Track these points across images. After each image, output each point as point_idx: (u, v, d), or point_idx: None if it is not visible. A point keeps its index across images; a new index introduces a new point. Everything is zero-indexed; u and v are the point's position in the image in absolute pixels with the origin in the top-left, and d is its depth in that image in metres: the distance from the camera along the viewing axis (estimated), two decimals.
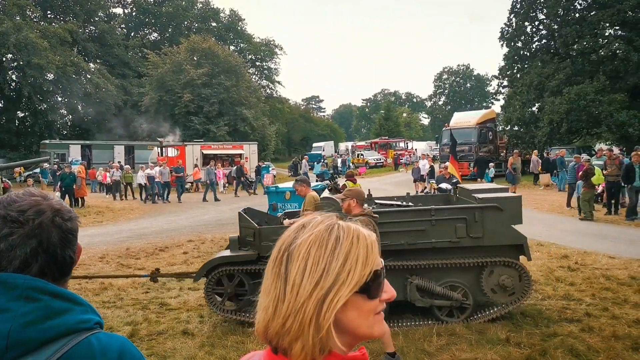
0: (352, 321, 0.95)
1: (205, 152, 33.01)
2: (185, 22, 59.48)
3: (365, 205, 5.63)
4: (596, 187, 14.66)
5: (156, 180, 22.70)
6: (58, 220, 1.18)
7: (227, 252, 6.60)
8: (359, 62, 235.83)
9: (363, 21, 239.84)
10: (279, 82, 65.96)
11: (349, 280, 0.93)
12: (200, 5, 60.83)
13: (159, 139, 35.26)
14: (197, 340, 5.93)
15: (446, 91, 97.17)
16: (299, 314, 0.92)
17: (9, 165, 25.11)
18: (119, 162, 30.77)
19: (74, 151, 34.08)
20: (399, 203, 7.44)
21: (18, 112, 43.02)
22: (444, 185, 12.50)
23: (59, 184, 21.36)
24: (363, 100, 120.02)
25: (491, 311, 6.14)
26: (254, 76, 59.71)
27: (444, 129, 31.26)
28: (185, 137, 38.65)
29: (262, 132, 46.20)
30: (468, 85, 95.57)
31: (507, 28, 34.64)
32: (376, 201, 7.54)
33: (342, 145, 63.95)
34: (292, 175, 37.78)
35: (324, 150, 54.03)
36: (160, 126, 38.67)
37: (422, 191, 22.13)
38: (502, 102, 38.50)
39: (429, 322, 6.12)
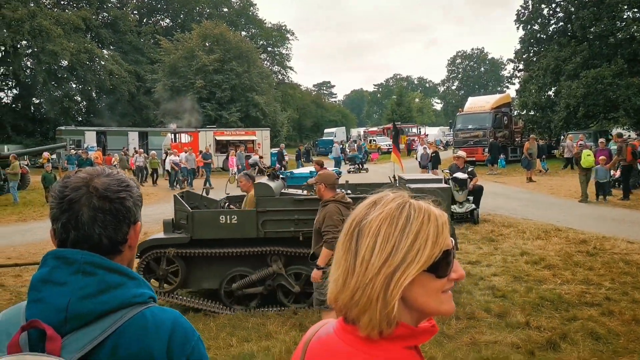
0: (419, 298, 0.97)
1: (218, 138, 33.13)
2: (197, 8, 59.26)
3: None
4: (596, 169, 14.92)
5: (182, 166, 22.79)
6: (92, 199, 1.17)
7: (161, 235, 6.67)
8: (370, 47, 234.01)
9: (374, 5, 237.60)
10: (290, 68, 65.77)
11: (417, 259, 0.95)
12: None
13: (171, 125, 35.45)
14: (219, 322, 6.02)
15: (459, 75, 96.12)
16: (367, 288, 0.95)
17: (27, 151, 25.43)
18: (135, 148, 30.94)
19: (89, 137, 34.30)
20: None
21: (33, 98, 43.38)
22: (459, 175, 11.67)
23: (76, 169, 21.58)
24: (375, 85, 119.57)
25: None
26: (265, 62, 59.50)
27: (458, 114, 31.00)
28: (198, 124, 38.80)
29: (274, 118, 46.17)
30: (482, 69, 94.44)
31: (523, 10, 34.07)
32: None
33: (354, 131, 63.69)
34: (304, 161, 37.76)
35: (335, 136, 53.82)
36: (173, 112, 38.80)
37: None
38: (517, 86, 38.03)
39: None
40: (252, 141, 34.05)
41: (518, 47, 35.56)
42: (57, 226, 1.18)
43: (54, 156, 29.71)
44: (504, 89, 74.98)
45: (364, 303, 0.95)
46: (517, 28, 34.47)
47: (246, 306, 6.50)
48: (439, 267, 0.97)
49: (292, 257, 6.42)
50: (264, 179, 7.05)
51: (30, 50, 41.39)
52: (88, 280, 1.12)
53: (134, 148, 33.86)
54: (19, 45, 39.98)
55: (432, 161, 22.18)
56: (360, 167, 28.32)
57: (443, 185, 6.66)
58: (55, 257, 1.15)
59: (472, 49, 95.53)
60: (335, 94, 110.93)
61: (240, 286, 6.43)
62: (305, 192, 7.28)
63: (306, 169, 13.27)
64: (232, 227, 6.23)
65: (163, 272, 6.45)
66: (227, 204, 7.59)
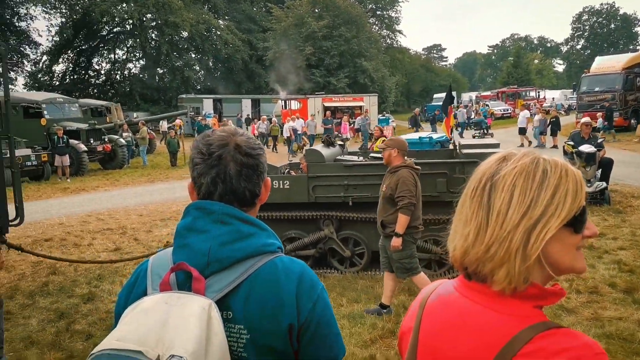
0: (556, 254, 0.96)
1: (326, 104, 33.50)
2: None
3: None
4: None
5: (302, 132, 23.33)
6: (237, 155, 1.26)
7: None
8: (485, 6, 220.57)
9: None
10: (399, 32, 64.15)
11: (557, 213, 0.94)
12: None
13: (281, 92, 36.44)
14: (329, 282, 6.24)
15: (586, 34, 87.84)
16: (504, 242, 0.95)
17: (152, 118, 27.56)
18: (248, 115, 32.18)
19: (207, 105, 36.30)
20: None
21: (158, 68, 46.60)
22: (585, 149, 9.50)
23: (196, 134, 23.08)
24: (489, 47, 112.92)
25: None
26: (374, 26, 58.52)
27: (583, 75, 28.47)
28: (307, 90, 39.44)
29: (382, 83, 45.62)
30: (612, 26, 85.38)
31: None
32: (370, 154, 7.40)
33: (465, 96, 60.99)
34: (411, 127, 37.04)
35: None
36: (282, 79, 39.78)
37: (529, 145, 20.63)
38: None
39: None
40: (360, 107, 34.03)
41: None
42: (205, 180, 1.27)
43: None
44: (638, 48, 67.60)
45: (502, 257, 0.95)
46: None
47: None
48: (578, 222, 0.96)
49: (344, 221, 6.59)
50: (318, 146, 7.21)
51: (154, 23, 44.25)
52: (225, 229, 1.22)
53: (247, 115, 35.46)
54: (144, 19, 42.93)
55: (552, 127, 20.71)
56: (486, 132, 27.38)
57: (495, 150, 6.40)
58: (197, 208, 1.27)
59: (601, 4, 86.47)
60: (446, 57, 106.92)
61: (294, 248, 6.67)
62: (361, 158, 7.29)
63: (416, 135, 13.07)
64: (285, 191, 6.48)
65: None
66: (287, 170, 7.79)
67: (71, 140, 17.37)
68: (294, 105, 33.31)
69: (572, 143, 9.93)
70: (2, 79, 5.19)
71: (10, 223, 5.24)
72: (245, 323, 1.19)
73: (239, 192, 1.27)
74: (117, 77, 49.57)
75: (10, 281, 6.74)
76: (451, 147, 8.56)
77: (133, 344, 1.05)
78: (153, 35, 45.58)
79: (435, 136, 13.81)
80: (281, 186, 6.54)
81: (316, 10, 44.40)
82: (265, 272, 1.22)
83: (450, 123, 9.02)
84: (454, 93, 56.39)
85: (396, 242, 4.80)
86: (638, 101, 25.87)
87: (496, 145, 6.91)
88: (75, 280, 6.67)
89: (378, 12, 62.34)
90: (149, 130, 22.70)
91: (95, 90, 47.10)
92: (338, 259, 6.78)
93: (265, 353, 1.19)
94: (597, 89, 25.77)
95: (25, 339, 4.87)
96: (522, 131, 21.93)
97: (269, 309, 1.19)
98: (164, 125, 24.61)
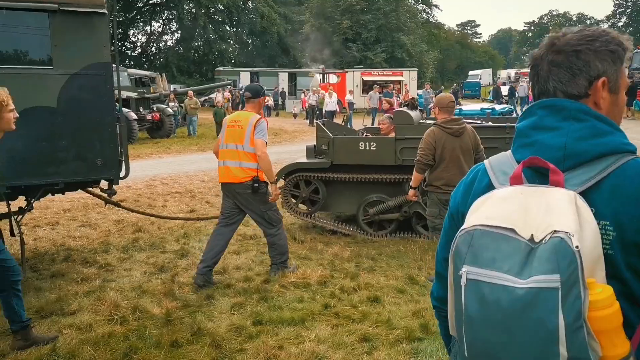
0: None
1: (365, 78, 33.18)
2: None
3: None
4: None
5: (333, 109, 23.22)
6: (548, 54, 1.22)
7: (304, 159, 7.00)
8: None
9: None
10: (436, 6, 62.74)
11: None
12: None
13: (320, 66, 36.15)
14: (416, 246, 6.20)
15: (628, 10, 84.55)
16: None
17: (196, 88, 27.63)
18: (283, 88, 31.88)
19: (244, 78, 36.27)
20: (477, 121, 7.45)
21: (194, 42, 46.65)
22: None
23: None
24: (525, 23, 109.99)
25: None
26: (410, 0, 57.38)
27: (635, 51, 27.49)
28: (343, 64, 39.07)
29: (420, 59, 44.89)
30: None
31: None
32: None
33: (504, 73, 59.53)
34: None
35: (480, 79, 50.89)
36: (319, 53, 39.42)
37: None
38: None
39: None
40: (399, 82, 33.62)
41: None
42: (529, 84, 1.26)
43: (212, 95, 32.04)
44: None
45: None
46: None
47: (383, 230, 6.79)
48: None
49: None
50: (404, 108, 7.23)
51: None
52: (580, 125, 1.16)
53: (282, 88, 35.49)
54: None
55: (629, 98, 20.28)
56: None
57: None
58: (543, 107, 1.21)
59: None
60: (480, 34, 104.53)
61: (378, 212, 6.67)
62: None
63: (477, 106, 12.86)
64: (371, 153, 6.45)
65: (306, 193, 6.86)
66: (364, 134, 7.78)
67: (123, 109, 17.52)
68: (332, 79, 33.07)
69: None
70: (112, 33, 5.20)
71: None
72: (611, 219, 1.11)
73: (549, 93, 1.23)
74: (153, 49, 49.85)
75: (99, 237, 6.88)
76: (514, 116, 8.40)
77: (503, 222, 1.06)
78: (189, 6, 45.56)
79: (497, 107, 13.61)
80: (367, 148, 6.50)
81: None
82: (631, 169, 1.13)
83: None
84: (490, 71, 54.93)
85: (410, 192, 5.32)
86: None
87: None
88: (162, 238, 6.77)
89: None
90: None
91: (131, 62, 47.45)
92: (423, 224, 6.68)
93: (633, 253, 1.11)
94: None
95: (137, 289, 4.96)
96: None
97: None
98: (218, 97, 24.81)
